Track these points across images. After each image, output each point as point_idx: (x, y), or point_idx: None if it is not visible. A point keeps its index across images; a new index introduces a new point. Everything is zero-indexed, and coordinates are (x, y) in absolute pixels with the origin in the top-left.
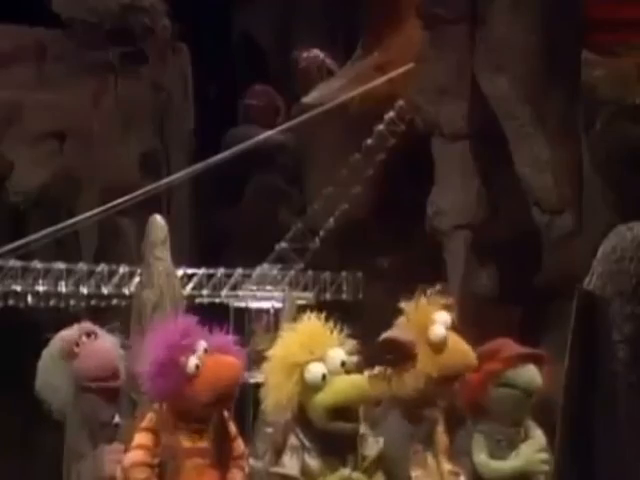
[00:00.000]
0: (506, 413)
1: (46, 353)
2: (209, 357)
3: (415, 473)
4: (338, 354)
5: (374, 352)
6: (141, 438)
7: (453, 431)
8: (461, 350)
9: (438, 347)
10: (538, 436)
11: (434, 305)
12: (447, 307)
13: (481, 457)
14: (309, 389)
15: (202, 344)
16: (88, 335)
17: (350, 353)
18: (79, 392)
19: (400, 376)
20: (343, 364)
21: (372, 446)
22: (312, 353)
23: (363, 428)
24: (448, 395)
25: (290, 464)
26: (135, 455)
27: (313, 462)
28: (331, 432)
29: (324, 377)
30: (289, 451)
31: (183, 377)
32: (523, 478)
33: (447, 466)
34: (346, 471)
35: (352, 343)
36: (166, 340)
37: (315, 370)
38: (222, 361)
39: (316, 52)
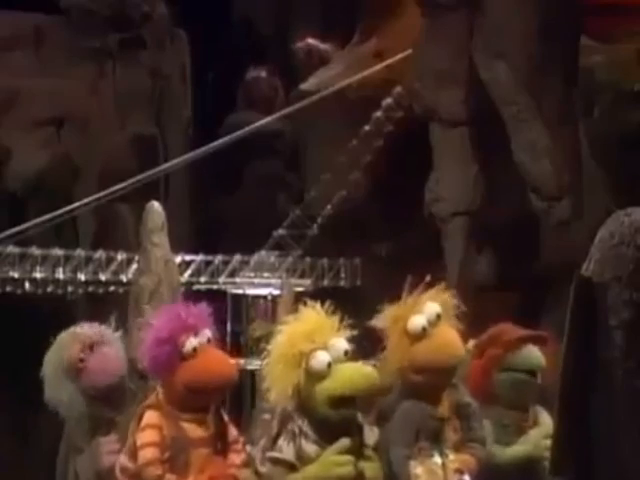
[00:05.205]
0: (511, 397)
1: (50, 367)
2: (209, 348)
3: (416, 470)
4: (342, 343)
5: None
6: (148, 435)
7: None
8: (444, 342)
9: (415, 338)
10: (546, 422)
11: (426, 297)
12: (444, 299)
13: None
14: (313, 377)
15: (207, 333)
16: (90, 347)
17: (349, 342)
18: (87, 400)
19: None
20: (346, 353)
21: (369, 435)
22: (315, 342)
23: (360, 417)
24: (443, 388)
25: (286, 449)
26: (148, 453)
27: (310, 448)
28: (332, 420)
29: (329, 365)
30: (286, 436)
31: (177, 356)
32: (529, 464)
33: (453, 465)
34: (346, 440)
35: (349, 332)
36: (173, 315)
37: (321, 358)
38: (219, 357)
39: (312, 41)
